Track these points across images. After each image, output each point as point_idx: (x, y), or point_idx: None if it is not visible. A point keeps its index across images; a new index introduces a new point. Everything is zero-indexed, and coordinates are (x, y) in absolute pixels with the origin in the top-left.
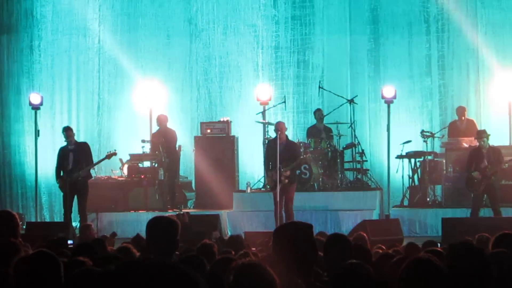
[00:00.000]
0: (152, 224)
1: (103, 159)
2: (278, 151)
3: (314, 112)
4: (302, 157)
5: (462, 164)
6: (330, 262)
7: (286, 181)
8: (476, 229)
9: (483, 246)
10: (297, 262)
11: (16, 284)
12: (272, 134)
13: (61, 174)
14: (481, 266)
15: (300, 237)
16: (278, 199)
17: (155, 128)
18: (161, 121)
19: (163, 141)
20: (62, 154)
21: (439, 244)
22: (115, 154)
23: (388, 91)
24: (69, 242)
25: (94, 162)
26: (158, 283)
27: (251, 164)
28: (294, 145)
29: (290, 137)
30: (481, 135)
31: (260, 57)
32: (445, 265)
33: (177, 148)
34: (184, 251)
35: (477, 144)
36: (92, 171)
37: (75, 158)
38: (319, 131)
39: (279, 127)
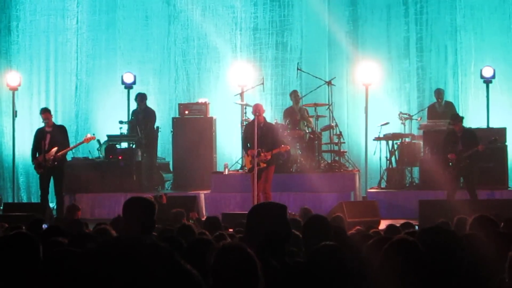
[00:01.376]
0: (128, 205)
1: (80, 143)
2: (255, 134)
3: (290, 94)
4: (283, 145)
5: (439, 146)
6: (309, 243)
7: (265, 165)
8: (452, 211)
9: (462, 228)
10: (270, 242)
11: None
12: (250, 116)
13: (37, 155)
14: (452, 249)
15: (273, 217)
16: (255, 181)
17: (133, 110)
18: (139, 99)
19: (141, 121)
20: (39, 136)
21: (416, 227)
22: (93, 138)
23: (366, 73)
24: (44, 226)
25: (70, 145)
26: (136, 259)
27: (229, 146)
28: (272, 127)
29: (268, 119)
30: (455, 120)
31: (239, 39)
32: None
33: (155, 129)
34: (161, 231)
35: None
36: (68, 153)
37: (52, 140)
38: (295, 112)
39: (257, 109)
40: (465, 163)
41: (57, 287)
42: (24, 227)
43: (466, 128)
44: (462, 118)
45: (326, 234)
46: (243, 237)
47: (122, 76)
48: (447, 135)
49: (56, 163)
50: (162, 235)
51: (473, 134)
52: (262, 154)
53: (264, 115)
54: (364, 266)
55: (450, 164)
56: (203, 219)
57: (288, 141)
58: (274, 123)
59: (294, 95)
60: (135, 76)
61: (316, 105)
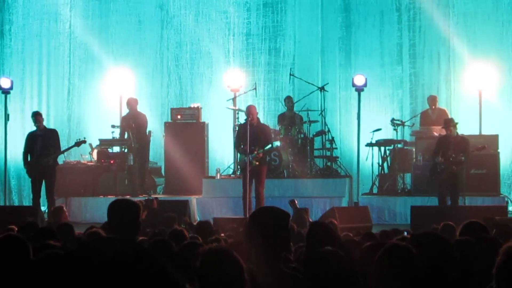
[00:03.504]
0: (113, 207)
1: (72, 147)
2: (248, 135)
3: (284, 100)
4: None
5: (431, 152)
6: (311, 250)
7: (257, 163)
8: (444, 217)
9: (448, 234)
10: (269, 249)
11: None
12: (242, 121)
13: (29, 159)
14: (443, 255)
15: (277, 224)
16: (247, 184)
17: (125, 113)
18: (131, 104)
19: (133, 126)
20: (31, 139)
21: (405, 233)
22: (84, 142)
23: (359, 79)
24: None
25: (62, 149)
26: (116, 260)
27: (221, 151)
28: (265, 127)
29: None
30: (448, 124)
31: (232, 44)
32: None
33: (147, 133)
34: (152, 235)
35: (445, 132)
36: (60, 156)
37: (43, 143)
38: (288, 118)
39: (250, 111)
40: (452, 169)
41: None
42: (16, 230)
43: (459, 134)
44: (455, 123)
45: (330, 241)
46: (236, 241)
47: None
48: (439, 140)
49: (47, 166)
50: (153, 239)
51: (464, 140)
52: (255, 152)
53: (257, 116)
54: (358, 272)
55: (439, 169)
56: (195, 223)
57: (281, 147)
58: (266, 124)
59: (288, 100)
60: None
61: (308, 110)
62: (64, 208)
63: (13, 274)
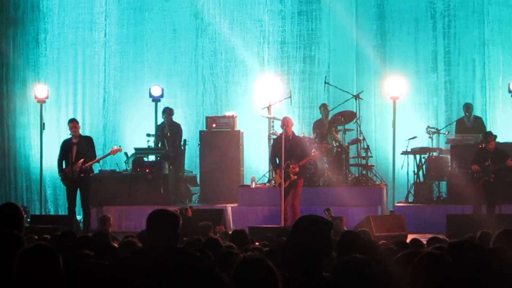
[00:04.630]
0: (152, 217)
1: (107, 155)
2: (283, 146)
3: (320, 107)
4: (313, 154)
5: (467, 160)
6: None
7: (295, 177)
8: (480, 226)
9: (485, 243)
10: (311, 256)
11: (18, 276)
12: (277, 129)
13: (64, 166)
14: (481, 263)
15: (319, 232)
16: (283, 195)
17: (161, 122)
18: (167, 113)
19: (168, 135)
20: (66, 147)
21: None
22: (120, 150)
23: (394, 87)
24: None
25: (97, 157)
26: (168, 266)
27: (256, 159)
28: (300, 139)
29: (296, 132)
30: (489, 138)
31: (266, 52)
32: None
33: (182, 142)
34: (187, 244)
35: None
36: (95, 165)
37: (78, 151)
38: (324, 126)
39: (286, 122)
40: (490, 177)
41: None
42: (50, 239)
43: (498, 145)
44: (495, 136)
45: (360, 250)
46: (271, 250)
47: (149, 89)
48: (479, 151)
49: (82, 175)
50: (189, 247)
51: (503, 150)
52: (291, 165)
53: (292, 128)
54: (393, 280)
55: (475, 176)
56: (230, 232)
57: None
58: (301, 136)
59: (323, 108)
60: (162, 89)
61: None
62: (110, 218)
63: (42, 283)
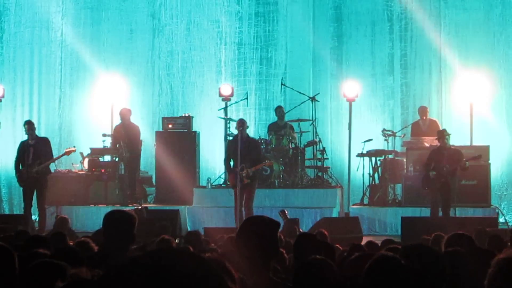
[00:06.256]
0: (108, 217)
1: (61, 155)
2: (239, 149)
3: (275, 109)
4: (266, 160)
5: (422, 163)
6: (299, 261)
7: (248, 181)
8: (435, 228)
9: (439, 245)
10: (258, 257)
11: None
12: (234, 130)
13: (20, 168)
14: (433, 266)
15: (265, 233)
16: (238, 197)
17: (117, 122)
18: (124, 115)
19: (124, 136)
20: (22, 148)
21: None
22: (74, 150)
23: (350, 89)
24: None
25: (53, 158)
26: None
27: (212, 160)
28: (256, 142)
29: (251, 134)
30: (442, 134)
31: (223, 53)
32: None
33: (139, 144)
34: (142, 246)
35: (438, 144)
36: (51, 165)
37: (35, 152)
38: (279, 128)
39: (241, 123)
40: (445, 179)
41: None
42: (2, 238)
43: (452, 146)
44: (448, 134)
45: (316, 251)
46: (226, 251)
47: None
48: (432, 152)
49: (38, 175)
50: (143, 249)
51: (458, 152)
52: (245, 170)
53: (247, 130)
54: (345, 281)
55: (431, 179)
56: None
57: (272, 156)
58: (258, 139)
59: (279, 110)
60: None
61: (300, 120)
62: (69, 219)
63: None
